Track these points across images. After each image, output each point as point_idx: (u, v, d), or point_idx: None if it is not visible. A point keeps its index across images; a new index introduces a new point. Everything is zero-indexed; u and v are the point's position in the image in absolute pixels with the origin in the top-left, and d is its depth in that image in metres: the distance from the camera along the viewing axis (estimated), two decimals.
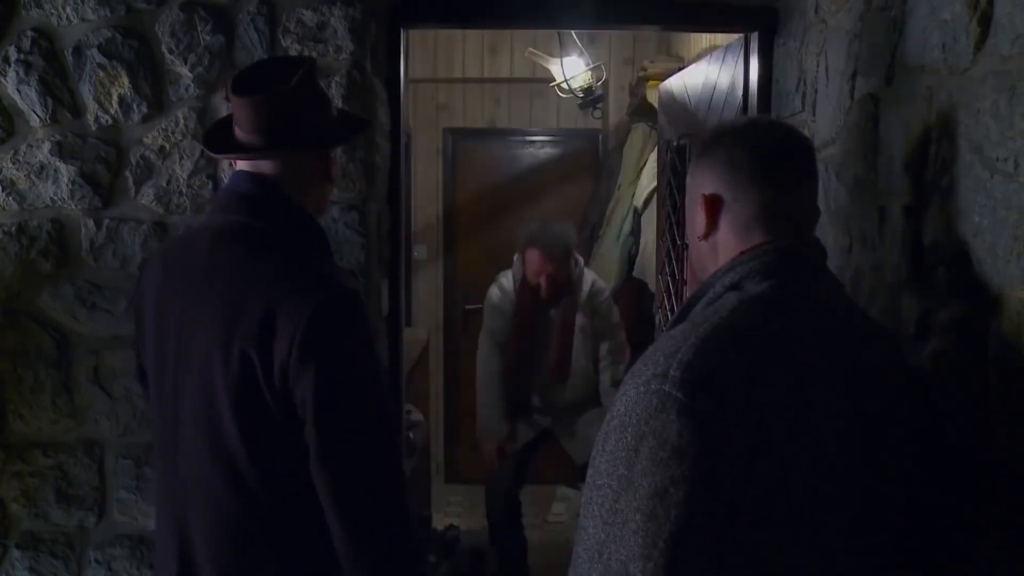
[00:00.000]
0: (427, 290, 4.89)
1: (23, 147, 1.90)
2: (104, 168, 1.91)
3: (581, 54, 4.19)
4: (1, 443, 1.95)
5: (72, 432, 1.96)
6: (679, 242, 2.75)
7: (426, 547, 3.37)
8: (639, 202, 3.99)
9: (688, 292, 2.68)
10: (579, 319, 3.16)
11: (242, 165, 1.36)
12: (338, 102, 1.88)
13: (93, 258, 1.93)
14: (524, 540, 3.32)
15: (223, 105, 1.87)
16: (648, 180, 3.87)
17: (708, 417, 0.86)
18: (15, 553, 1.96)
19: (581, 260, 3.26)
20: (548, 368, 3.18)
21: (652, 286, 3.53)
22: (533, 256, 3.08)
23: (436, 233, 4.91)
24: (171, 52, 1.89)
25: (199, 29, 1.88)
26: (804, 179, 1.09)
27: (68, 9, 1.87)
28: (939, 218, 1.19)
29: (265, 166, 1.34)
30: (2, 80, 1.88)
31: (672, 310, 2.92)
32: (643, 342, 3.25)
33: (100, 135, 1.91)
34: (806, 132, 1.78)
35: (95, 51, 1.88)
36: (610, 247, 4.22)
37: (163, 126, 1.91)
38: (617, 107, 4.73)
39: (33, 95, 1.88)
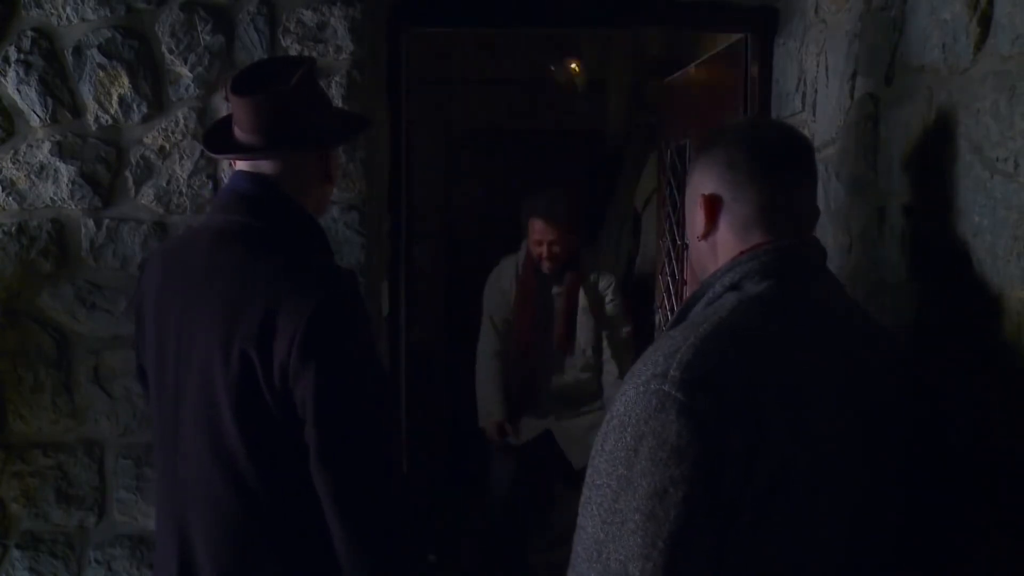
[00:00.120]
0: (427, 290, 4.89)
1: (23, 147, 1.90)
2: (104, 168, 1.92)
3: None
4: (1, 443, 1.95)
5: (72, 432, 1.96)
6: (679, 242, 2.75)
7: (426, 547, 3.37)
8: (639, 202, 3.99)
9: (688, 292, 2.68)
10: (581, 299, 3.14)
11: (242, 165, 1.36)
12: (338, 102, 1.88)
13: (93, 258, 1.93)
14: (524, 538, 3.31)
15: (223, 105, 1.87)
16: (648, 180, 3.86)
17: (707, 417, 0.86)
18: (15, 553, 1.96)
19: (585, 252, 3.25)
20: (555, 340, 3.15)
21: (652, 286, 3.53)
22: (536, 224, 3.07)
23: (436, 233, 4.91)
24: (171, 52, 1.89)
25: (199, 29, 1.88)
26: (804, 179, 1.09)
27: (68, 9, 1.87)
28: (939, 218, 1.19)
29: (265, 166, 1.34)
30: (2, 80, 1.88)
31: (672, 310, 2.92)
32: (643, 342, 3.26)
33: (100, 135, 1.91)
34: (806, 132, 1.78)
35: (95, 51, 1.88)
36: (610, 247, 4.22)
37: (163, 126, 1.91)
38: (617, 107, 4.73)
39: (33, 95, 1.88)
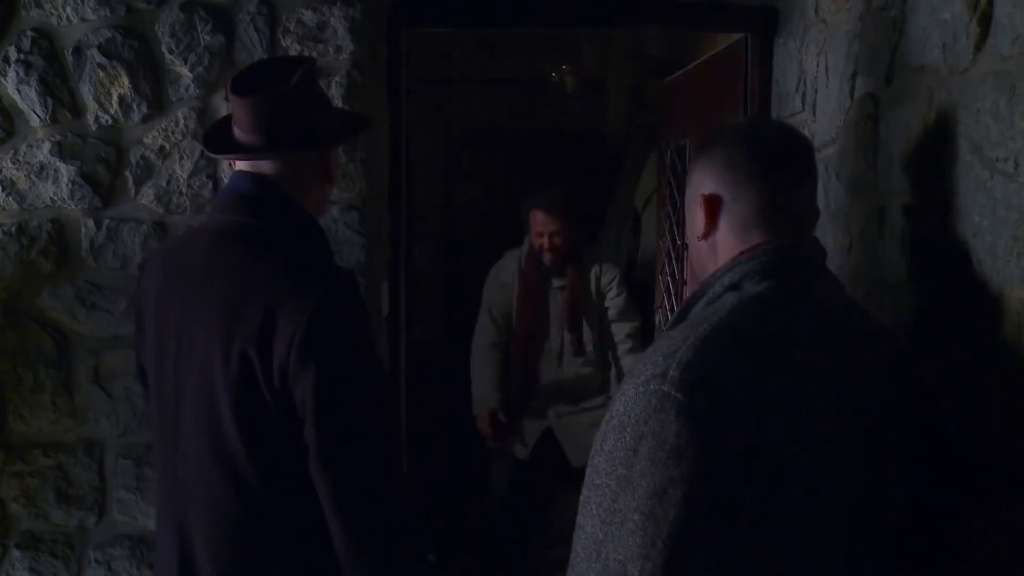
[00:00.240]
0: (427, 290, 4.89)
1: (23, 147, 1.90)
2: (104, 168, 1.92)
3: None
4: (1, 443, 1.95)
5: (72, 432, 1.96)
6: (679, 242, 2.75)
7: (426, 547, 3.38)
8: (639, 202, 3.99)
9: (688, 292, 2.68)
10: (585, 294, 3.15)
11: (242, 165, 1.36)
12: (338, 102, 1.88)
13: (93, 258, 1.93)
14: (524, 537, 3.30)
15: (223, 105, 1.87)
16: (648, 180, 3.87)
17: (707, 417, 0.86)
18: (15, 553, 1.96)
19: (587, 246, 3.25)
20: (559, 335, 3.15)
21: (652, 286, 3.53)
22: (537, 216, 3.09)
23: (436, 233, 4.91)
24: (171, 52, 1.89)
25: (199, 29, 1.88)
26: (804, 179, 1.09)
27: (68, 9, 1.87)
28: (939, 218, 1.19)
29: (265, 166, 1.34)
30: (2, 80, 1.88)
31: (672, 310, 2.92)
32: (644, 342, 3.25)
33: (100, 135, 1.91)
34: (806, 132, 1.78)
35: (95, 51, 1.88)
36: (610, 247, 4.22)
37: (163, 126, 1.91)
38: (617, 107, 4.73)
39: (33, 95, 1.88)
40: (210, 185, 1.93)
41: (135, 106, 1.90)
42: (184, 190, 1.93)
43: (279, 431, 1.23)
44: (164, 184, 1.92)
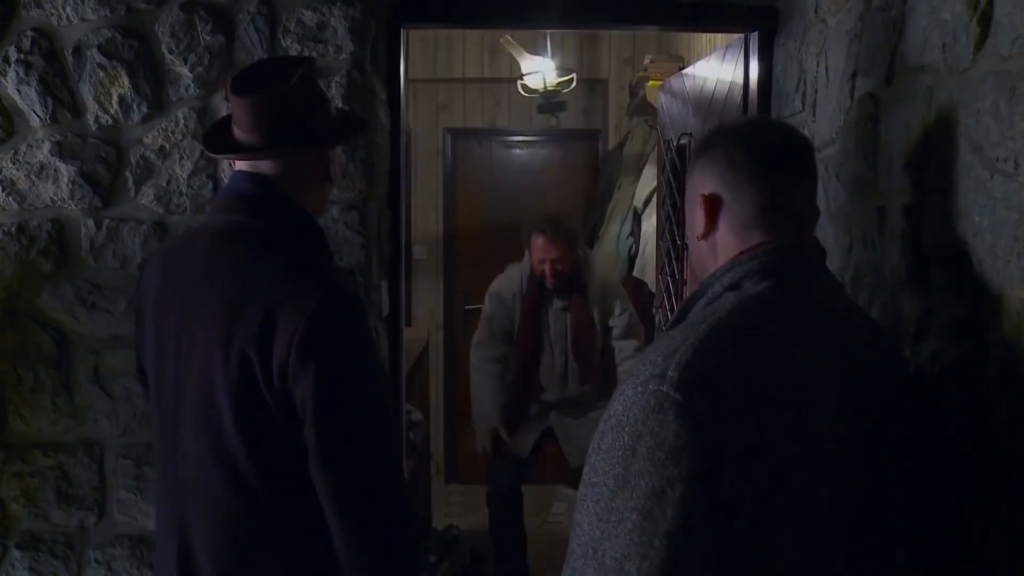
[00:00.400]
0: (427, 290, 4.89)
1: (23, 147, 1.90)
2: (104, 168, 1.92)
3: (552, 56, 4.08)
4: (1, 443, 1.95)
5: (72, 432, 1.96)
6: (679, 242, 2.75)
7: (426, 547, 3.38)
8: (639, 202, 3.99)
9: (688, 292, 2.68)
10: (589, 320, 3.19)
11: (241, 165, 1.36)
12: (338, 102, 1.88)
13: (93, 258, 1.93)
14: (524, 537, 3.33)
15: (223, 105, 1.87)
16: (648, 180, 3.87)
17: (706, 417, 0.86)
18: (15, 553, 1.96)
19: (589, 253, 3.29)
20: (569, 367, 3.19)
21: (652, 286, 3.53)
22: (537, 241, 3.12)
23: (436, 233, 4.91)
24: (171, 52, 1.89)
25: (199, 29, 1.88)
26: (803, 179, 1.09)
27: (68, 9, 1.87)
28: (939, 218, 1.19)
29: (265, 166, 1.34)
30: (2, 80, 1.88)
31: (672, 310, 2.92)
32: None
33: (100, 135, 1.91)
34: (806, 132, 1.78)
35: (95, 51, 1.88)
36: (610, 247, 4.22)
37: (163, 126, 1.91)
38: (617, 107, 4.73)
39: (33, 95, 1.88)
40: (210, 185, 1.93)
41: (135, 106, 1.90)
42: (184, 190, 1.93)
43: (279, 431, 1.23)
44: (164, 184, 1.92)
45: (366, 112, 1.90)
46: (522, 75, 4.06)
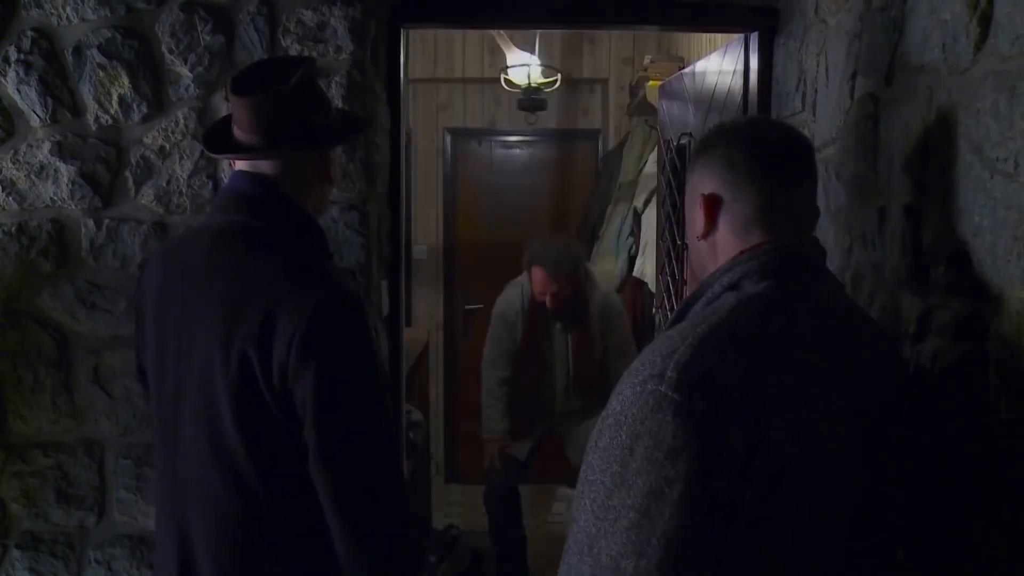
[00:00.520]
0: (427, 290, 4.89)
1: (23, 147, 1.90)
2: (104, 168, 1.92)
3: (540, 55, 4.06)
4: (1, 443, 1.95)
5: (72, 432, 1.96)
6: (679, 242, 2.75)
7: (426, 547, 3.38)
8: (639, 202, 3.99)
9: (688, 292, 2.68)
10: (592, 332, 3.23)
11: (241, 165, 1.36)
12: (338, 102, 1.88)
13: (93, 258, 1.93)
14: (524, 537, 3.35)
15: (223, 105, 1.87)
16: (648, 180, 3.87)
17: (705, 417, 0.86)
18: (15, 553, 1.96)
19: (592, 272, 3.31)
20: (575, 385, 3.24)
21: (652, 286, 3.53)
22: (538, 275, 3.14)
23: (436, 233, 4.91)
24: (171, 52, 1.89)
25: (199, 29, 1.88)
26: (803, 179, 1.09)
27: (68, 9, 1.87)
28: (939, 218, 1.19)
29: (265, 166, 1.34)
30: (2, 80, 1.88)
31: (672, 310, 2.91)
32: (643, 342, 3.27)
33: (100, 135, 1.91)
34: (806, 132, 1.78)
35: (95, 51, 1.88)
36: (610, 247, 4.22)
37: (163, 126, 1.91)
38: (617, 107, 4.73)
39: (33, 95, 1.88)
40: (210, 185, 1.93)
41: (135, 106, 1.90)
42: (184, 190, 1.93)
43: (279, 431, 1.23)
44: (164, 184, 1.92)
45: (366, 112, 1.90)
46: (506, 67, 4.04)
